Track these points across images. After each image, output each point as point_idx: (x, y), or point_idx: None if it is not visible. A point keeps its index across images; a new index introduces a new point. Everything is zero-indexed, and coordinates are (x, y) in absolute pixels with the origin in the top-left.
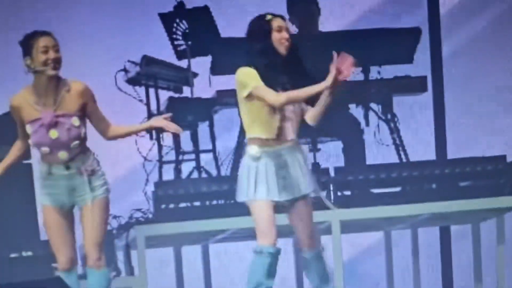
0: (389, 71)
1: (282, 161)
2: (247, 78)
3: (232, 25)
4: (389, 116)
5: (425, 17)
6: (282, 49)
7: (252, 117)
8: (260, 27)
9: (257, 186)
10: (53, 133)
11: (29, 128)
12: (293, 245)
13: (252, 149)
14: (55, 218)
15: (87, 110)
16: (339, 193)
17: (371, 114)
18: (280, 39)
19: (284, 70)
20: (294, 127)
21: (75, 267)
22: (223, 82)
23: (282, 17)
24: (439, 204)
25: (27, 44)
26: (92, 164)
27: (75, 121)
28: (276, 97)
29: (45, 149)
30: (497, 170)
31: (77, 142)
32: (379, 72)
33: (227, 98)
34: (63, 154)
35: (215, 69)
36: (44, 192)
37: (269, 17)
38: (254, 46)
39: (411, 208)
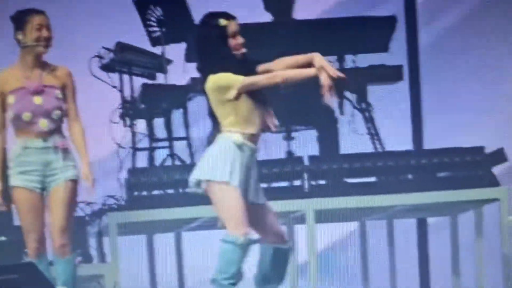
0: (365, 60)
1: (253, 161)
2: (229, 79)
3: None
4: (364, 105)
5: (401, 6)
6: (239, 55)
7: (235, 116)
8: (214, 34)
9: (234, 172)
10: (38, 99)
11: (11, 98)
12: None
13: (236, 136)
14: (25, 201)
15: (65, 92)
16: (313, 182)
17: (346, 103)
18: (236, 46)
19: (246, 71)
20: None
21: (45, 253)
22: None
23: (234, 18)
24: (415, 195)
25: (21, 19)
26: (67, 144)
27: (58, 94)
28: (271, 77)
29: (28, 114)
30: (475, 161)
31: (59, 112)
32: (353, 61)
33: (202, 85)
34: (43, 123)
35: (190, 56)
36: (17, 172)
37: (223, 22)
38: (211, 54)
39: (386, 198)
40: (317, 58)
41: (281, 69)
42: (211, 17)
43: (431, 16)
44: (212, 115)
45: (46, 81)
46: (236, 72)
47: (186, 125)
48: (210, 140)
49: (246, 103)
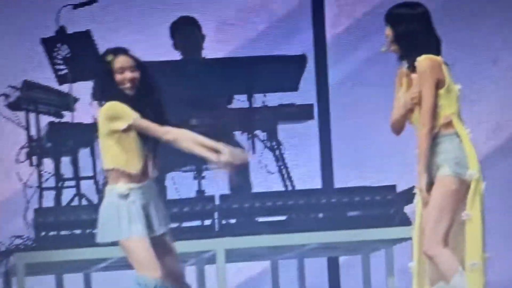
0: (275, 98)
1: (146, 197)
2: (123, 110)
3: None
4: (274, 144)
5: (310, 44)
6: (128, 90)
7: (122, 151)
8: (102, 68)
9: (131, 225)
10: None
11: None
12: None
13: (119, 187)
14: None
15: None
16: (224, 221)
17: (257, 142)
18: (122, 81)
19: (138, 109)
20: (153, 163)
21: None
22: None
23: (125, 53)
24: (326, 234)
25: None
26: None
27: None
28: (164, 131)
29: None
30: (386, 200)
31: None
32: (263, 102)
33: None
34: None
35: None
36: None
37: (109, 58)
38: (100, 88)
39: (297, 237)
40: (226, 155)
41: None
42: (104, 52)
43: (341, 53)
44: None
45: None
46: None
47: (94, 164)
48: (101, 194)
49: (134, 140)
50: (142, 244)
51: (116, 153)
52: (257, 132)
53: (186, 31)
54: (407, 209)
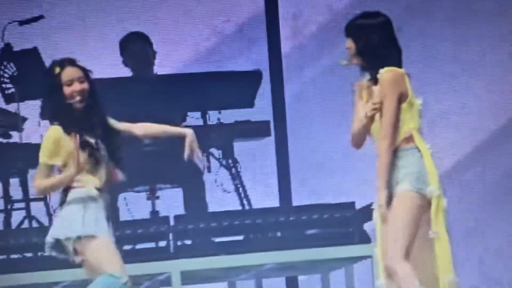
0: (230, 115)
1: (106, 211)
2: (44, 147)
3: None
4: (230, 162)
5: (265, 59)
6: (77, 103)
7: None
8: (50, 81)
9: (98, 223)
10: None
11: None
12: None
13: (87, 189)
14: None
15: None
16: (179, 243)
17: (212, 160)
18: (71, 94)
19: (87, 123)
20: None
21: None
22: None
23: (72, 63)
24: (284, 253)
25: None
26: None
27: None
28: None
29: None
30: (345, 217)
31: None
32: (218, 119)
33: None
34: None
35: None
36: None
37: (56, 70)
38: (48, 103)
39: (255, 257)
40: (189, 138)
41: (143, 134)
42: (51, 64)
43: (296, 68)
44: None
45: None
46: (72, 122)
47: None
48: (62, 199)
49: (83, 163)
50: (109, 243)
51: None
52: (213, 150)
53: (136, 48)
54: (367, 226)
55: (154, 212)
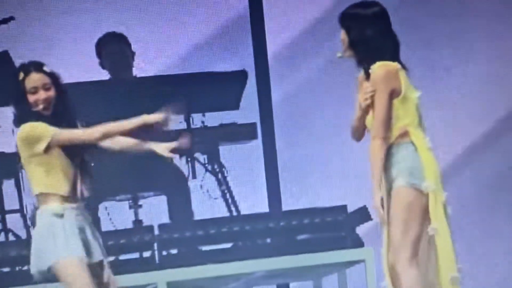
0: (215, 118)
1: (81, 220)
2: (40, 130)
3: None
4: (216, 167)
5: (251, 60)
6: (43, 110)
7: (47, 173)
8: (14, 88)
9: (69, 243)
10: None
11: None
12: None
13: (53, 206)
14: None
15: None
16: (164, 252)
17: (197, 165)
18: (36, 102)
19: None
20: (83, 183)
21: None
22: None
23: (38, 69)
24: (275, 260)
25: None
26: None
27: None
28: (89, 132)
29: None
30: (337, 221)
31: None
32: (203, 122)
33: None
34: None
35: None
36: None
37: (21, 76)
38: (15, 110)
39: (244, 265)
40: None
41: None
42: (17, 69)
43: (283, 70)
44: None
45: None
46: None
47: (19, 196)
48: (32, 220)
49: (59, 160)
50: (79, 265)
51: (40, 176)
52: (197, 155)
53: (113, 49)
54: (360, 230)
55: (138, 221)
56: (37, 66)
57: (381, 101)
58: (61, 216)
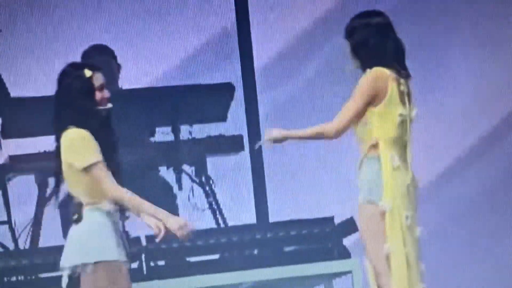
0: (203, 130)
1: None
2: (86, 147)
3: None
4: (203, 179)
5: (238, 73)
6: (103, 111)
7: (94, 186)
8: (81, 85)
9: (119, 246)
10: None
11: None
12: None
13: (108, 207)
14: None
15: None
16: (152, 264)
17: (184, 177)
18: (102, 100)
19: (109, 131)
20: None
21: None
22: (16, 146)
23: (100, 70)
24: (262, 271)
25: None
26: None
27: None
28: (119, 194)
29: None
30: (324, 232)
31: None
32: (190, 134)
33: (22, 164)
34: None
35: (6, 132)
36: None
37: (89, 73)
38: (73, 107)
39: (231, 276)
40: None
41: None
42: (74, 67)
43: (270, 82)
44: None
45: None
46: (97, 129)
47: (7, 208)
48: (74, 219)
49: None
50: (124, 271)
51: (91, 190)
52: (185, 166)
53: (98, 61)
54: (347, 241)
55: (125, 233)
56: (98, 67)
57: (354, 99)
58: (112, 215)
